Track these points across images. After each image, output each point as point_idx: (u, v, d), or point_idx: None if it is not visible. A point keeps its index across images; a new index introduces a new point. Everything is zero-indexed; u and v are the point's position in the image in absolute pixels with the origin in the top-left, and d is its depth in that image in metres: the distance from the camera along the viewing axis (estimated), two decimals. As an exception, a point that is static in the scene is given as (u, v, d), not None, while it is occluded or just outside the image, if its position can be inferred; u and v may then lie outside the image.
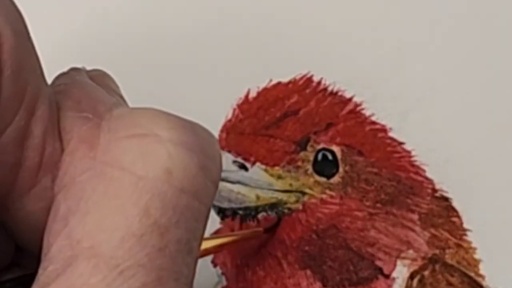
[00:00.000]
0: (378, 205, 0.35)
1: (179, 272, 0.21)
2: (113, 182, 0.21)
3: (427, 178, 0.36)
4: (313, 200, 0.35)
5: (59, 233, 0.21)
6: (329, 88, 0.37)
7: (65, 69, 0.26)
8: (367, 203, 0.35)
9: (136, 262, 0.20)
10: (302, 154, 0.36)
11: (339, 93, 0.37)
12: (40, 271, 0.21)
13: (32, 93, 0.21)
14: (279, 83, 0.37)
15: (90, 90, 0.24)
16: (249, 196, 0.35)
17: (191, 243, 0.21)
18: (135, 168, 0.21)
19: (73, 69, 0.25)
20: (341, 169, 0.36)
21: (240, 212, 0.36)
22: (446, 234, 0.35)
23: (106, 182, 0.21)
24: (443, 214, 0.35)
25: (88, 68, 0.27)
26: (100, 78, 0.26)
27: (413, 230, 0.35)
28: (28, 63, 0.21)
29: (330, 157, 0.36)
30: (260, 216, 0.35)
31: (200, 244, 0.22)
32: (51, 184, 0.22)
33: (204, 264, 0.35)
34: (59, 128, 0.22)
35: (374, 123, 0.36)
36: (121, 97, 0.26)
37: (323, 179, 0.36)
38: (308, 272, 0.35)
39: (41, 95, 0.22)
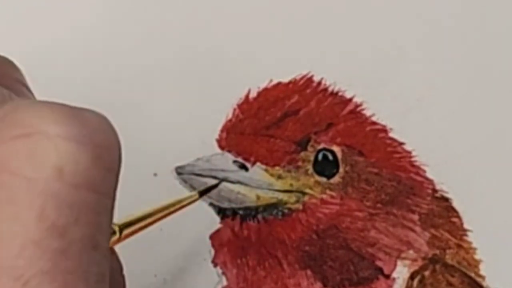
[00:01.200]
0: (379, 205, 0.35)
1: (87, 271, 0.20)
2: (4, 188, 0.20)
3: (427, 179, 0.36)
4: (313, 200, 0.35)
5: None
6: (330, 88, 0.37)
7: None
8: (368, 203, 0.35)
9: (39, 270, 0.19)
10: (302, 154, 0.36)
11: (340, 93, 0.37)
12: None
13: None
14: (279, 83, 0.37)
15: None
16: (249, 196, 0.35)
17: (95, 239, 0.20)
18: (25, 170, 0.20)
19: None
20: (341, 169, 0.36)
21: (240, 212, 0.36)
22: (447, 235, 0.35)
23: None
24: (443, 215, 0.35)
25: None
26: None
27: (414, 231, 0.35)
28: None
29: (330, 157, 0.36)
30: (260, 216, 0.35)
31: (108, 237, 0.21)
32: None
33: (204, 264, 0.35)
34: None
35: (374, 123, 0.36)
36: (23, 84, 0.25)
37: (323, 179, 0.36)
38: (309, 272, 0.35)
39: None
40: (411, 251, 0.35)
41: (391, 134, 0.36)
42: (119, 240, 0.28)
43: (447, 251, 0.35)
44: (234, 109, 0.37)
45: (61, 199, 0.20)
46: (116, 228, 0.27)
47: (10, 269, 0.19)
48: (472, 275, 0.34)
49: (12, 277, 0.19)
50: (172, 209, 0.32)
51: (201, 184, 0.35)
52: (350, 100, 0.37)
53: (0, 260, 0.19)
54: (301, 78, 0.37)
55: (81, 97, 0.33)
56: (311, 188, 0.35)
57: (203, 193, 0.34)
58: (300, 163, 0.36)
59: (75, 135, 0.20)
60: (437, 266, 0.34)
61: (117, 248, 0.28)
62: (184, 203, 0.32)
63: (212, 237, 0.36)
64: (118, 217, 0.28)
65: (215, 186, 0.35)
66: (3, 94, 0.23)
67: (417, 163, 0.36)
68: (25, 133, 0.20)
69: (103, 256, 0.21)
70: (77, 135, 0.20)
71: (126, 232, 0.28)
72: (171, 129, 0.37)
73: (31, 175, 0.20)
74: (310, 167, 0.36)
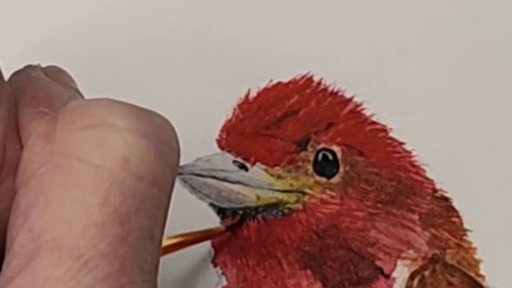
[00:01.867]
0: (379, 205, 0.35)
1: (142, 260, 0.21)
2: (71, 173, 0.21)
3: (427, 178, 0.36)
4: (313, 200, 0.35)
5: (20, 228, 0.21)
6: (330, 88, 0.37)
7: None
8: (368, 203, 0.35)
9: (99, 252, 0.20)
10: (302, 154, 0.36)
11: (340, 93, 0.37)
12: (4, 266, 0.21)
13: None
14: (279, 83, 0.37)
15: (45, 86, 0.24)
16: (249, 196, 0.35)
17: (152, 230, 0.21)
18: (92, 158, 0.21)
19: (28, 66, 0.25)
20: (341, 169, 0.36)
21: (240, 212, 0.36)
22: (447, 234, 0.35)
23: (64, 173, 0.21)
24: (443, 214, 0.35)
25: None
26: (55, 74, 0.26)
27: (414, 230, 0.35)
28: None
29: (330, 157, 0.36)
30: (259, 216, 0.35)
31: (162, 232, 0.22)
32: (13, 185, 0.22)
33: (205, 264, 0.35)
34: (17, 126, 0.22)
35: (374, 123, 0.36)
36: (77, 91, 0.26)
37: (323, 179, 0.36)
38: (309, 272, 0.35)
39: (1, 96, 0.22)
40: (411, 251, 0.35)
41: (391, 134, 0.36)
42: None
43: (447, 251, 0.35)
44: (234, 109, 0.37)
45: (125, 188, 0.21)
46: None
47: (71, 249, 0.20)
48: (472, 275, 0.34)
49: (73, 256, 0.20)
50: (198, 237, 0.33)
51: (200, 184, 0.35)
52: (350, 100, 0.37)
53: (63, 239, 0.20)
54: (301, 78, 0.37)
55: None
56: (311, 188, 0.35)
57: (228, 228, 0.35)
58: (300, 163, 0.36)
59: (142, 130, 0.21)
60: (437, 266, 0.34)
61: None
62: (207, 234, 0.34)
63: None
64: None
65: (240, 223, 0.35)
66: (74, 93, 0.24)
67: (417, 163, 0.36)
68: (95, 123, 0.21)
69: (156, 248, 0.22)
70: (144, 130, 0.22)
71: None
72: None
73: (99, 163, 0.21)
74: (310, 167, 0.36)
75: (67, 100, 0.23)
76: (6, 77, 0.23)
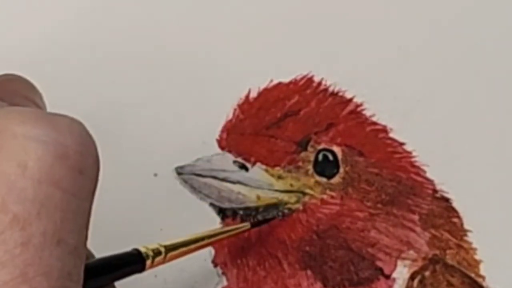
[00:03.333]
0: (379, 205, 0.35)
1: (47, 265, 0.21)
2: None
3: (427, 179, 0.36)
4: (313, 201, 0.35)
5: None
6: (330, 89, 0.37)
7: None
8: (368, 204, 0.35)
9: None
10: (302, 154, 0.36)
11: (340, 94, 0.37)
12: None
13: None
14: (279, 84, 0.37)
15: None
16: (249, 196, 0.35)
17: (60, 234, 0.21)
18: None
19: None
20: (341, 170, 0.36)
21: (241, 212, 0.36)
22: (447, 235, 0.35)
23: None
24: (443, 215, 0.35)
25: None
26: (5, 83, 0.26)
27: (414, 231, 0.35)
28: None
29: (330, 157, 0.36)
30: (260, 216, 0.35)
31: (79, 236, 0.22)
32: None
33: (205, 264, 0.35)
34: None
35: (374, 123, 0.36)
36: (32, 101, 0.26)
37: (323, 180, 0.36)
38: (309, 272, 0.35)
39: None
40: (411, 251, 0.35)
41: (391, 135, 0.36)
42: (164, 260, 0.28)
43: (447, 251, 0.35)
44: (235, 109, 0.37)
45: (24, 193, 0.21)
46: (162, 249, 0.28)
47: None
48: (472, 275, 0.34)
49: None
50: (220, 236, 0.33)
51: (201, 184, 0.35)
52: (351, 100, 0.37)
53: None
54: (302, 79, 0.37)
55: (81, 97, 0.34)
56: (311, 188, 0.35)
57: (255, 224, 0.34)
58: (300, 163, 0.36)
59: (39, 135, 0.21)
60: (437, 266, 0.34)
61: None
62: (233, 232, 0.33)
63: (212, 237, 0.36)
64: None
65: (270, 219, 0.35)
66: (18, 103, 0.24)
67: (417, 164, 0.36)
68: None
69: (68, 253, 0.21)
70: (42, 135, 0.21)
71: (171, 254, 0.29)
72: (171, 129, 0.37)
73: None
74: (310, 167, 0.36)
75: None
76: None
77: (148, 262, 0.28)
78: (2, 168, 0.21)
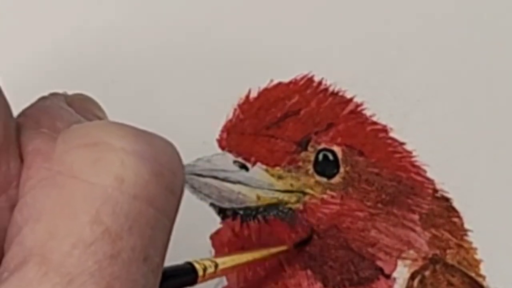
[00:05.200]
0: (379, 205, 0.35)
1: (133, 281, 0.21)
2: (65, 190, 0.21)
3: (428, 179, 0.36)
4: (314, 200, 0.35)
5: (12, 240, 0.21)
6: (330, 88, 0.37)
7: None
8: (368, 203, 0.35)
9: (86, 270, 0.20)
10: (303, 154, 0.36)
11: (340, 93, 0.37)
12: None
13: None
14: (280, 83, 0.37)
15: (51, 110, 0.24)
16: (249, 196, 0.35)
17: (147, 251, 0.21)
18: (87, 175, 0.21)
19: (52, 94, 0.26)
20: (342, 169, 0.36)
21: (241, 212, 0.36)
22: (447, 235, 0.35)
23: (58, 190, 0.21)
24: (443, 215, 0.35)
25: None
26: (79, 102, 0.26)
27: (414, 230, 0.35)
28: None
29: (331, 157, 0.36)
30: (260, 216, 0.35)
31: (162, 254, 0.22)
32: (5, 204, 0.22)
33: (205, 264, 0.35)
34: (19, 145, 0.22)
35: (375, 123, 0.36)
36: (100, 119, 0.27)
37: (323, 179, 0.36)
38: (309, 272, 0.35)
39: None
40: (411, 251, 0.35)
41: (391, 134, 0.36)
42: (214, 273, 0.30)
43: (448, 251, 0.35)
44: (235, 109, 0.37)
45: (118, 207, 0.21)
46: (213, 264, 0.29)
47: (58, 266, 0.20)
48: (473, 275, 0.34)
49: (59, 273, 0.20)
50: (266, 255, 0.34)
51: (201, 184, 0.35)
52: (351, 100, 0.37)
53: (51, 255, 0.20)
54: (302, 78, 0.37)
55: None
56: (311, 188, 0.35)
57: (297, 245, 0.35)
58: (300, 163, 0.36)
59: (139, 150, 0.21)
60: (438, 266, 0.34)
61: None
62: (278, 252, 0.34)
63: (212, 237, 0.36)
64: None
65: (309, 239, 0.35)
66: (80, 119, 0.24)
67: (417, 163, 0.36)
68: (91, 142, 0.22)
69: (151, 271, 0.21)
70: (141, 151, 0.22)
71: (221, 267, 0.30)
72: (171, 129, 0.37)
73: (92, 180, 0.21)
74: (310, 167, 0.36)
75: (72, 123, 0.23)
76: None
77: (200, 274, 0.29)
78: (99, 180, 0.21)
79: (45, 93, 0.28)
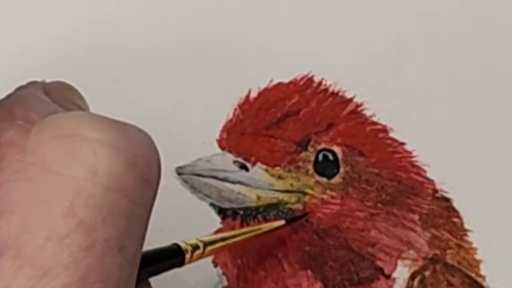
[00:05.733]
0: (379, 205, 0.35)
1: (108, 272, 0.21)
2: (38, 182, 0.21)
3: (428, 179, 0.36)
4: (314, 201, 0.35)
5: None
6: (330, 89, 0.37)
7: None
8: (368, 204, 0.35)
9: (60, 262, 0.20)
10: (303, 154, 0.36)
11: (340, 94, 0.37)
12: None
13: None
14: (280, 83, 0.37)
15: (25, 100, 0.24)
16: (249, 196, 0.35)
17: (121, 242, 0.21)
18: (60, 167, 0.21)
19: (30, 82, 0.25)
20: (342, 170, 0.36)
21: (241, 212, 0.36)
22: (447, 235, 0.35)
23: (31, 182, 0.21)
24: (443, 215, 0.35)
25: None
26: (57, 90, 0.26)
27: (414, 231, 0.35)
28: None
29: (331, 157, 0.36)
30: (260, 216, 0.35)
31: (138, 244, 0.22)
32: None
33: (205, 264, 0.35)
34: None
35: (375, 123, 0.36)
36: (81, 108, 0.26)
37: (324, 179, 0.36)
38: (309, 272, 0.35)
39: None
40: (411, 251, 0.35)
41: (391, 134, 0.36)
42: (202, 255, 0.29)
43: (448, 251, 0.35)
44: (235, 109, 0.37)
45: (92, 198, 0.21)
46: (201, 244, 0.29)
47: (33, 259, 0.20)
48: (473, 275, 0.34)
49: (33, 266, 0.20)
50: (256, 232, 0.33)
51: (201, 184, 0.35)
52: (351, 100, 0.37)
53: (25, 248, 0.20)
54: (302, 78, 0.37)
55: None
56: (311, 188, 0.35)
57: (289, 221, 0.35)
58: (300, 163, 0.36)
59: (112, 141, 0.21)
60: (438, 266, 0.34)
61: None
62: (268, 228, 0.34)
63: (212, 237, 0.36)
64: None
65: (304, 216, 0.35)
66: (56, 109, 0.24)
67: (417, 163, 0.36)
68: (65, 134, 0.21)
69: (127, 261, 0.21)
70: (115, 142, 0.21)
71: (209, 248, 0.29)
72: (171, 129, 0.37)
73: (66, 172, 0.21)
74: (310, 167, 0.36)
75: (47, 114, 0.23)
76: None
77: (188, 256, 0.28)
78: (72, 172, 0.21)
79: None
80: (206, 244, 0.29)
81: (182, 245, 0.28)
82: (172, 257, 0.28)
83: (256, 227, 0.34)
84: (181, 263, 0.28)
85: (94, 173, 0.21)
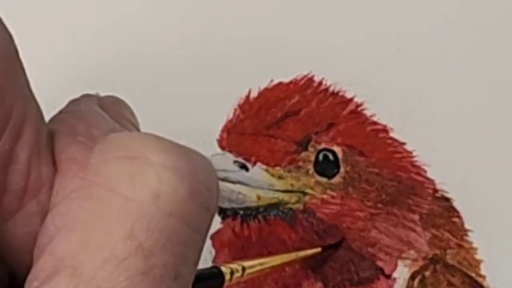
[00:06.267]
0: (379, 205, 0.35)
1: None
2: (100, 202, 0.21)
3: (428, 179, 0.36)
4: (314, 200, 0.35)
5: (44, 249, 0.21)
6: (330, 89, 0.37)
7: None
8: (368, 203, 0.35)
9: (117, 285, 0.20)
10: (303, 154, 0.36)
11: (340, 94, 0.37)
12: (25, 285, 0.20)
13: (18, 116, 0.21)
14: (280, 83, 0.37)
15: (87, 116, 0.24)
16: (250, 196, 0.35)
17: (178, 269, 0.21)
18: (123, 189, 0.21)
19: (84, 96, 0.25)
20: (342, 169, 0.36)
21: (241, 212, 0.36)
22: (447, 235, 0.35)
23: (93, 202, 0.21)
24: (444, 215, 0.35)
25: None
26: (111, 105, 0.26)
27: (414, 231, 0.35)
28: (14, 85, 0.21)
29: (331, 157, 0.36)
30: (260, 216, 0.35)
31: (192, 273, 0.22)
32: (36, 209, 0.22)
33: (205, 264, 0.35)
34: (52, 152, 0.22)
35: (375, 123, 0.36)
36: (133, 124, 0.26)
37: (324, 179, 0.36)
38: (309, 272, 0.35)
39: (27, 119, 0.21)
40: (411, 251, 0.35)
41: (392, 134, 0.36)
42: (241, 277, 0.29)
43: (448, 251, 0.35)
44: (235, 109, 0.37)
45: (153, 223, 0.20)
46: (240, 267, 0.29)
47: (89, 279, 0.20)
48: (473, 275, 0.34)
49: (89, 286, 0.20)
50: (292, 259, 0.34)
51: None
52: (351, 100, 0.37)
53: (83, 268, 0.20)
54: (302, 78, 0.37)
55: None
56: (311, 188, 0.35)
57: (326, 249, 0.35)
58: (300, 163, 0.36)
59: (177, 166, 0.21)
60: (438, 266, 0.34)
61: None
62: (304, 255, 0.34)
63: (212, 237, 0.36)
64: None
65: (340, 243, 0.35)
66: (115, 127, 0.24)
67: (418, 163, 0.36)
68: (130, 155, 0.21)
69: None
70: (179, 167, 0.21)
71: (248, 271, 0.30)
72: (172, 129, 0.37)
73: (129, 195, 0.21)
74: (310, 167, 0.36)
75: (108, 131, 0.23)
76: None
77: (227, 278, 0.28)
78: (135, 196, 0.21)
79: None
80: (245, 268, 0.30)
81: (223, 269, 0.28)
82: (212, 278, 0.28)
83: (293, 253, 0.34)
84: (220, 285, 0.28)
85: (157, 197, 0.21)
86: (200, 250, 0.22)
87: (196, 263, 0.22)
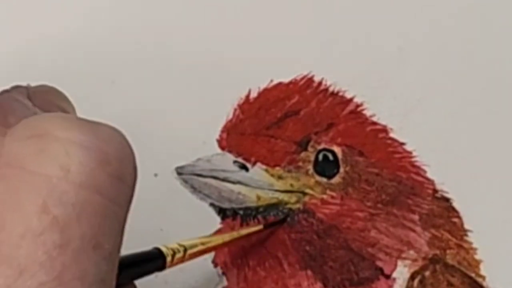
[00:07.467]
0: (379, 205, 0.35)
1: (84, 269, 0.21)
2: (12, 181, 0.21)
3: (428, 179, 0.36)
4: (314, 201, 0.35)
5: None
6: (330, 89, 0.37)
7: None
8: (368, 204, 0.35)
9: (36, 260, 0.20)
10: (303, 154, 0.36)
11: (340, 94, 0.37)
12: None
13: None
14: (280, 83, 0.37)
15: (5, 104, 0.24)
16: (249, 196, 0.35)
17: (97, 239, 0.21)
18: (31, 165, 0.21)
19: (14, 87, 0.26)
20: (342, 170, 0.36)
21: (241, 212, 0.36)
22: (447, 235, 0.35)
23: (6, 182, 0.21)
24: (443, 215, 0.35)
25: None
26: (39, 94, 0.26)
27: (414, 231, 0.35)
28: None
29: (331, 157, 0.36)
30: (260, 216, 0.35)
31: (115, 242, 0.22)
32: None
33: (205, 264, 0.35)
34: None
35: (375, 123, 0.36)
36: (65, 111, 0.27)
37: (323, 180, 0.36)
38: (309, 272, 0.35)
39: None
40: (411, 251, 0.35)
41: (391, 134, 0.36)
42: (183, 258, 0.29)
43: (448, 251, 0.35)
44: (235, 109, 0.37)
45: (65, 196, 0.21)
46: (181, 248, 0.29)
47: (9, 257, 0.20)
48: (473, 275, 0.34)
49: (10, 265, 0.20)
50: (234, 237, 0.33)
51: (201, 184, 0.35)
52: (351, 100, 0.37)
53: (1, 247, 0.20)
54: (302, 78, 0.37)
55: (82, 97, 0.34)
56: (311, 188, 0.35)
57: (268, 226, 0.35)
58: (300, 163, 0.36)
59: (84, 140, 0.22)
60: (438, 266, 0.34)
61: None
62: (246, 233, 0.34)
63: (212, 237, 0.36)
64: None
65: (283, 220, 0.35)
66: (36, 113, 0.25)
67: (417, 163, 0.36)
68: (37, 134, 0.22)
69: (103, 258, 0.21)
70: (86, 141, 0.22)
71: (190, 252, 0.30)
72: (171, 129, 0.37)
73: (38, 171, 0.21)
74: (310, 167, 0.36)
75: (25, 117, 0.23)
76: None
77: (168, 259, 0.28)
78: (44, 171, 0.21)
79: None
80: (186, 248, 0.29)
81: (163, 249, 0.28)
82: (153, 260, 0.28)
83: (235, 232, 0.34)
84: (162, 267, 0.28)
85: (66, 170, 0.21)
86: (122, 220, 0.22)
87: (118, 233, 0.22)
